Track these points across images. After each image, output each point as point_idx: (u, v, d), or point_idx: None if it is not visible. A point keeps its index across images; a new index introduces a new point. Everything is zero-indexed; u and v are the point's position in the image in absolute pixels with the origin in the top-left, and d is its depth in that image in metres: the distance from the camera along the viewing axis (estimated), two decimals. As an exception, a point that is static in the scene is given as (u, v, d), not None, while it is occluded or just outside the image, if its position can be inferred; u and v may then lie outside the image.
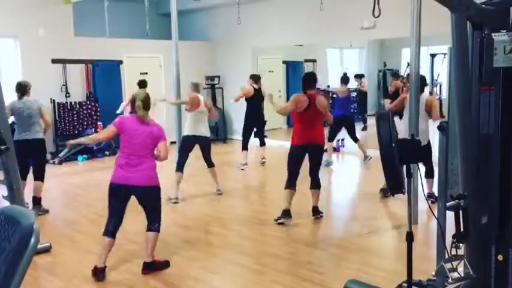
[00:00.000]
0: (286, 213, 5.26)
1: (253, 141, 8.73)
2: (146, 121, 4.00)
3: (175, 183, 6.25)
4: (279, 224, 5.24)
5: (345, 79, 8.71)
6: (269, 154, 8.79)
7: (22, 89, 5.81)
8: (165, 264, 4.14)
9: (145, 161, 3.93)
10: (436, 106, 5.87)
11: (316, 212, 5.43)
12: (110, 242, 3.98)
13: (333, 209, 6.16)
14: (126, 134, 3.96)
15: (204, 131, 6.47)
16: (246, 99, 8.44)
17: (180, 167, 6.32)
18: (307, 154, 5.29)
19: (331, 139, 8.36)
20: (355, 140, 8.42)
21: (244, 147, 8.39)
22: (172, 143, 8.01)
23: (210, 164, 6.57)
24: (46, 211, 5.90)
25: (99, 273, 3.93)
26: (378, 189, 6.33)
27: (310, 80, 5.33)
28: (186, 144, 6.44)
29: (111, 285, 3.87)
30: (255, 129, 8.65)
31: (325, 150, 8.77)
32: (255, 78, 8.45)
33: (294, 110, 5.20)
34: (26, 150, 5.58)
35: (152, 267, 4.05)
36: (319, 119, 5.28)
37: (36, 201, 5.85)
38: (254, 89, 8.34)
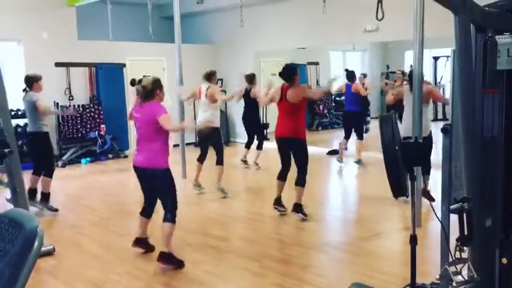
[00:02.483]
0: (276, 202, 5.56)
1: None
2: (145, 105, 4.08)
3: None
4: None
5: (348, 75, 8.71)
6: (271, 156, 8.78)
7: (27, 82, 5.86)
8: (180, 264, 4.13)
9: (149, 143, 4.06)
10: (434, 90, 5.95)
11: (296, 209, 5.40)
12: (142, 219, 4.39)
13: (335, 212, 6.14)
14: (134, 120, 4.21)
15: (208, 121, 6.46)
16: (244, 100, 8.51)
17: (198, 157, 6.67)
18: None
19: (346, 137, 8.64)
20: (359, 137, 8.54)
21: (246, 145, 8.63)
22: (175, 146, 8.01)
23: (217, 160, 6.52)
24: (55, 209, 5.93)
25: (137, 243, 4.40)
26: (380, 192, 6.25)
27: (284, 73, 5.38)
28: (199, 136, 6.66)
29: (114, 288, 3.88)
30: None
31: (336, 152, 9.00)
32: (246, 79, 8.34)
33: (271, 101, 5.53)
34: (28, 144, 5.65)
35: (167, 258, 4.08)
36: (292, 113, 5.27)
37: (43, 196, 5.91)
38: (245, 89, 8.28)
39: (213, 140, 6.49)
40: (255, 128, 8.63)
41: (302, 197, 5.42)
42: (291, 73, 5.36)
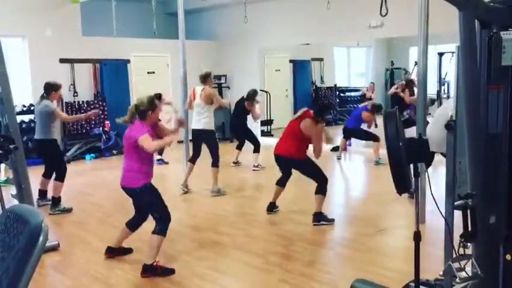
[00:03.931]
0: (270, 207, 5.58)
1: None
2: (136, 123, 4.01)
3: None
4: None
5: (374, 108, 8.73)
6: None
7: (46, 88, 5.86)
8: (169, 272, 3.96)
9: (129, 163, 4.02)
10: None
11: (315, 218, 5.19)
12: (125, 230, 4.32)
13: (339, 209, 6.14)
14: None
15: (199, 124, 6.43)
16: None
17: (191, 158, 6.69)
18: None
19: (345, 137, 9.01)
20: (375, 139, 8.50)
21: (237, 146, 8.56)
22: (180, 142, 8.03)
23: (212, 163, 6.47)
24: (68, 210, 5.93)
25: (109, 252, 4.34)
26: (384, 188, 6.26)
27: (319, 111, 5.25)
28: (192, 138, 6.70)
29: (118, 283, 3.89)
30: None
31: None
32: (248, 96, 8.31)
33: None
34: (38, 150, 5.70)
35: (150, 270, 3.90)
36: (298, 138, 5.16)
37: (54, 200, 5.93)
38: (242, 98, 8.38)
39: (208, 142, 6.49)
40: (242, 133, 8.47)
41: (322, 205, 5.19)
42: (323, 113, 5.28)
